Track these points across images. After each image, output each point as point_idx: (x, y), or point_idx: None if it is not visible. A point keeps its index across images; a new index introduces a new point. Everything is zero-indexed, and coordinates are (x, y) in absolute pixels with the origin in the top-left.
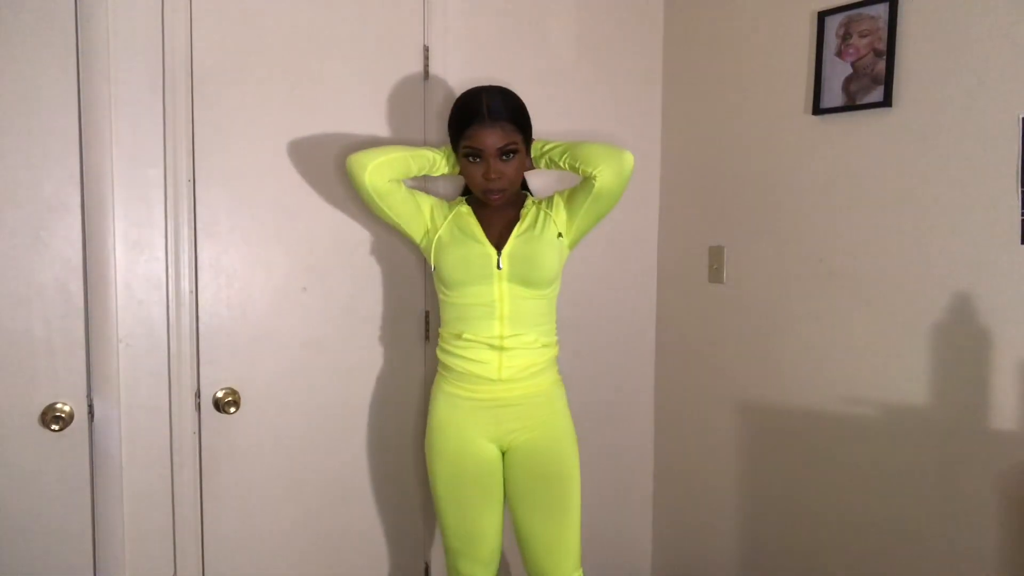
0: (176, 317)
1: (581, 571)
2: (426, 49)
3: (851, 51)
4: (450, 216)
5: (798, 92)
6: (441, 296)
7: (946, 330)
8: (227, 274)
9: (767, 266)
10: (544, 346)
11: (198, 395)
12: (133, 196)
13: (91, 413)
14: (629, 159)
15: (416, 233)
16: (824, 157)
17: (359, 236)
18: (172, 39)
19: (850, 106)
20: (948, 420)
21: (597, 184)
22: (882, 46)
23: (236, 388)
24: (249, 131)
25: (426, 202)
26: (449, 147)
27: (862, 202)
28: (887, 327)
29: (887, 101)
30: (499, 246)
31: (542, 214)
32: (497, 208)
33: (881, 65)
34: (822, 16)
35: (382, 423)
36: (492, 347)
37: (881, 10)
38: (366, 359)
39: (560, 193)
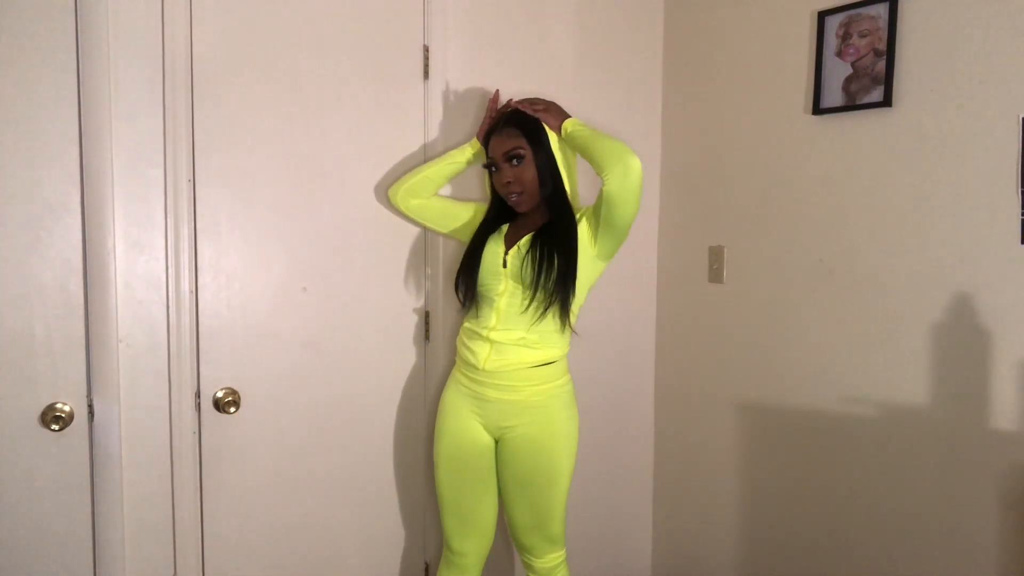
0: (176, 317)
1: (564, 551)
2: (426, 49)
3: (851, 51)
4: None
5: (798, 92)
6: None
7: (946, 330)
8: (227, 274)
9: (767, 266)
10: (533, 347)
11: (198, 395)
12: (133, 196)
13: (91, 413)
14: (635, 166)
15: (464, 236)
16: (824, 157)
17: (359, 236)
18: (172, 39)
19: (850, 106)
20: (948, 420)
21: (604, 189)
22: (882, 46)
23: (236, 388)
24: (249, 131)
25: (467, 211)
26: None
27: (862, 202)
28: (887, 327)
29: (887, 101)
30: (510, 246)
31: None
32: (528, 215)
33: (881, 65)
34: (822, 16)
35: (382, 423)
36: (484, 338)
37: (881, 10)
38: (366, 359)
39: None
